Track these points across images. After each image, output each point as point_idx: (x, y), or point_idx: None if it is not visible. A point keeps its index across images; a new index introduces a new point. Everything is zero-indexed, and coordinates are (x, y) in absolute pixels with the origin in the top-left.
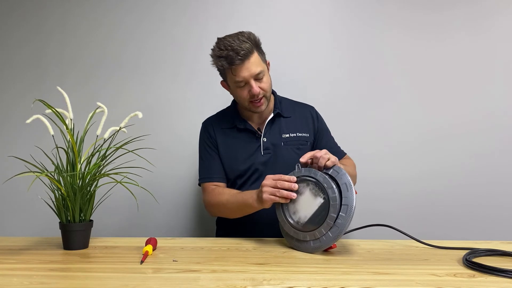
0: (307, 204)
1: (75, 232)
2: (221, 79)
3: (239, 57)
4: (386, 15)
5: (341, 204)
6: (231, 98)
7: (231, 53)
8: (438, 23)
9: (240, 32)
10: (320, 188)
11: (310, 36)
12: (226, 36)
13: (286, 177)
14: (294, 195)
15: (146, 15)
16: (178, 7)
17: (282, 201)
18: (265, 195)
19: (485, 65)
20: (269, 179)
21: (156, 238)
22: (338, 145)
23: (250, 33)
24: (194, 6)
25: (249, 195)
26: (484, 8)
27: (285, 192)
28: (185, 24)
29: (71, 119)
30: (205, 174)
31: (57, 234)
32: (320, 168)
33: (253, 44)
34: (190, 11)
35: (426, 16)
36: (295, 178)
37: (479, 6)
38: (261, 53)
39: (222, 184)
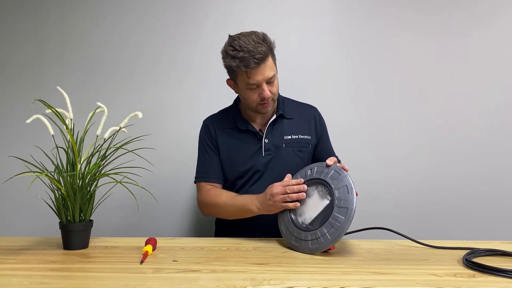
0: (314, 206)
1: (75, 232)
2: (227, 77)
3: (255, 60)
4: (387, 16)
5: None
6: (232, 97)
7: (247, 56)
8: (439, 24)
9: (253, 32)
10: (328, 189)
11: (310, 37)
12: (240, 35)
13: (294, 181)
14: (303, 195)
15: (146, 15)
16: (177, 7)
17: (292, 206)
18: (278, 204)
19: (485, 65)
20: (278, 187)
21: (156, 238)
22: (334, 150)
23: (265, 35)
24: (193, 6)
25: (249, 200)
26: (486, 9)
27: (295, 195)
28: (184, 24)
29: (71, 119)
30: (202, 174)
31: (57, 234)
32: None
33: (268, 47)
34: (189, 11)
35: (427, 17)
36: (302, 180)
37: (480, 6)
38: (274, 56)
39: (218, 185)
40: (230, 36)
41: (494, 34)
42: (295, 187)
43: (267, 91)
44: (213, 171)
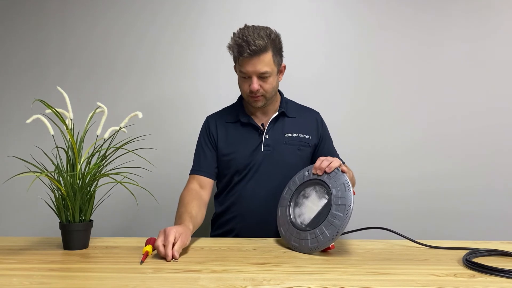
0: (313, 206)
1: (75, 232)
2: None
3: (248, 51)
4: (387, 16)
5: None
6: (233, 97)
7: (243, 44)
8: (442, 24)
9: (266, 27)
10: (325, 189)
11: (309, 37)
12: (252, 26)
13: (167, 250)
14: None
15: (146, 14)
16: (176, 5)
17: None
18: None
19: (484, 65)
20: (160, 238)
21: (156, 238)
22: (338, 152)
23: (272, 33)
24: (191, 4)
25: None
26: (485, 9)
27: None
28: (183, 22)
29: (71, 119)
30: (195, 166)
31: (57, 234)
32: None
33: (270, 43)
34: (187, 9)
35: (429, 17)
36: (176, 256)
37: (480, 6)
38: (277, 55)
39: (208, 180)
40: (245, 25)
41: (494, 35)
42: (162, 252)
43: (255, 84)
44: (204, 166)
